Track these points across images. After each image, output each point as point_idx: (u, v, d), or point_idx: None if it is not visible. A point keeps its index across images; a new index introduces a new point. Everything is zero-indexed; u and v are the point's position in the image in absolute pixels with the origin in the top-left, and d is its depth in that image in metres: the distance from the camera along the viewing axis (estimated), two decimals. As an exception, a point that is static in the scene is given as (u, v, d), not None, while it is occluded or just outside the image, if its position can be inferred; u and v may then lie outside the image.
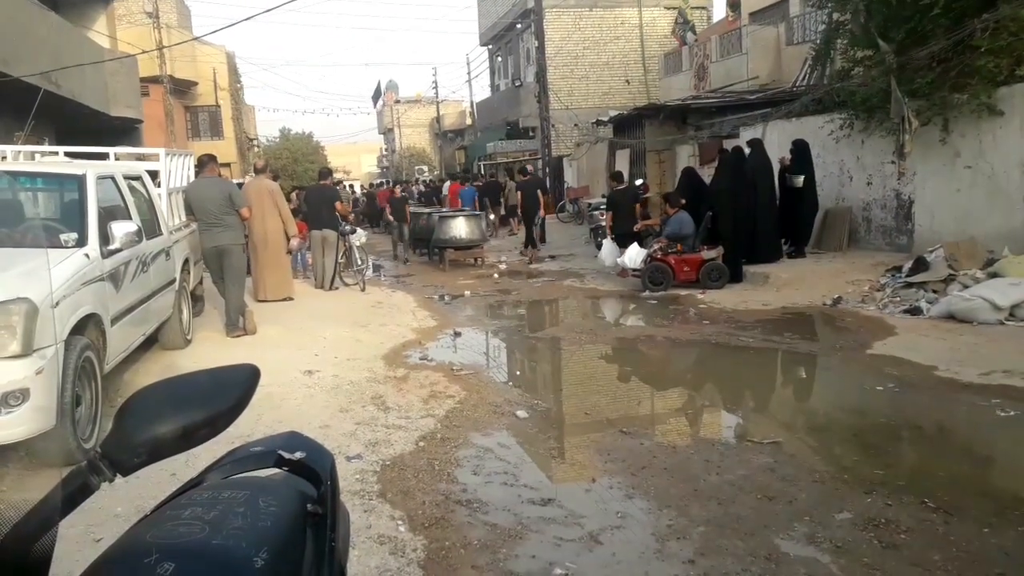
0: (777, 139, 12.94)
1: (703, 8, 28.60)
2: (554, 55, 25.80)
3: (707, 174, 12.43)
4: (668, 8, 27.55)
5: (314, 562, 1.45)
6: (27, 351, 3.89)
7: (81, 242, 4.99)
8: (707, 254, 10.21)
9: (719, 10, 28.40)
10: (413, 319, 9.28)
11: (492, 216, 19.94)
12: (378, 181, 30.71)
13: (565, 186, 25.04)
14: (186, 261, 7.52)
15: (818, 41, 14.34)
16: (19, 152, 7.81)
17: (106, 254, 5.12)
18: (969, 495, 3.81)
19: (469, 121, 43.13)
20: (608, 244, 11.74)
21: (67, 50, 14.31)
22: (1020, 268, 7.83)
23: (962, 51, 9.35)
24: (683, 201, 10.76)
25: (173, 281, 6.85)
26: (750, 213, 10.59)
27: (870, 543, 3.30)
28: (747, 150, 11.32)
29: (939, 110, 9.69)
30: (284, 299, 9.66)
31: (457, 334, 8.59)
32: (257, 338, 7.58)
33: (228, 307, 7.71)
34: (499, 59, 34.68)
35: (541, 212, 16.19)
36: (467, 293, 11.46)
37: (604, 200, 16.59)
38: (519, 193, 16.83)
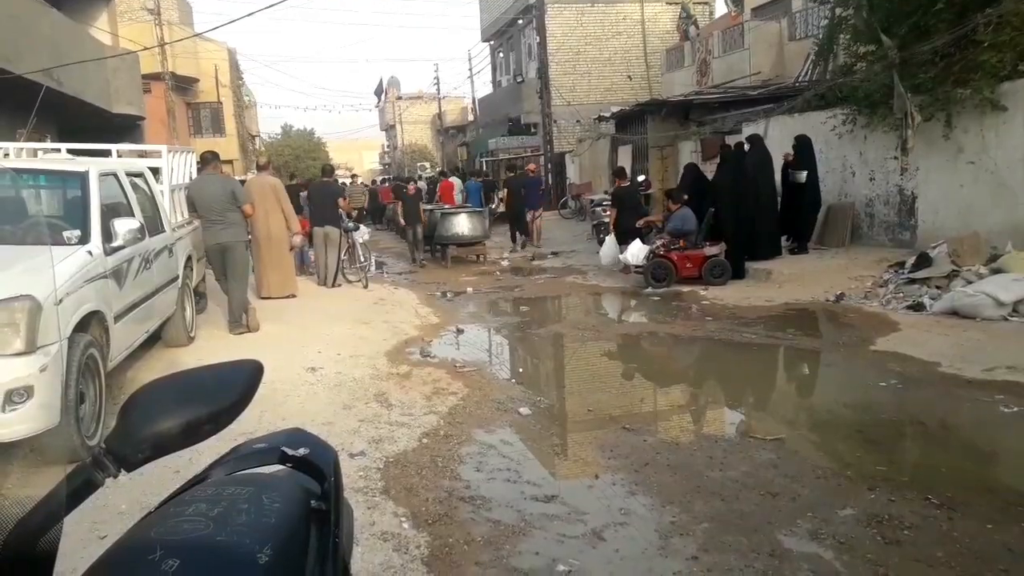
0: (779, 135, 12.91)
1: (705, 3, 28.55)
2: (556, 51, 25.78)
3: (709, 170, 12.41)
4: (670, 3, 27.50)
5: (318, 558, 1.45)
6: (31, 348, 3.90)
7: (84, 239, 4.99)
8: (710, 250, 10.20)
9: (721, 5, 28.34)
10: (416, 316, 9.28)
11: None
12: (381, 178, 30.52)
13: (567, 182, 25.02)
14: (189, 258, 7.53)
15: (820, 36, 14.31)
16: (21, 149, 7.80)
17: (109, 251, 5.13)
18: (973, 491, 3.80)
19: (471, 117, 43.08)
20: (610, 241, 11.73)
21: (69, 47, 14.31)
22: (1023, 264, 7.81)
23: (965, 46, 9.32)
24: (686, 197, 10.75)
25: (176, 278, 6.86)
26: (750, 209, 10.58)
27: (873, 539, 3.30)
28: (747, 146, 11.31)
29: (942, 105, 9.66)
30: (287, 296, 9.67)
31: (460, 331, 8.60)
32: (260, 335, 7.59)
33: (231, 304, 7.72)
34: (501, 55, 34.64)
35: (530, 214, 16.35)
36: (469, 290, 11.46)
37: (606, 196, 16.62)
38: (505, 190, 16.98)
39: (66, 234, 4.98)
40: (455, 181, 19.73)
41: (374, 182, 25.27)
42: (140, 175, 6.80)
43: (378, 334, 7.97)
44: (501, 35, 33.18)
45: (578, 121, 25.66)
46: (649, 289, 10.15)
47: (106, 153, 8.12)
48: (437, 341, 8.01)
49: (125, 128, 18.97)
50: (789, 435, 4.76)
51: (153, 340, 6.66)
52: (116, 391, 5.28)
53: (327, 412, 5.23)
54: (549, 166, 25.49)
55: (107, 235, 5.17)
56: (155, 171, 7.61)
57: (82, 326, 4.47)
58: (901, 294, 8.32)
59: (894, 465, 4.23)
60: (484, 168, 28.38)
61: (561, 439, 5.06)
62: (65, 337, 4.16)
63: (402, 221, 15.03)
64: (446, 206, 16.13)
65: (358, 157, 70.34)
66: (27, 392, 3.86)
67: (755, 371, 6.64)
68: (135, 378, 5.81)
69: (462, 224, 14.28)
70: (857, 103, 11.12)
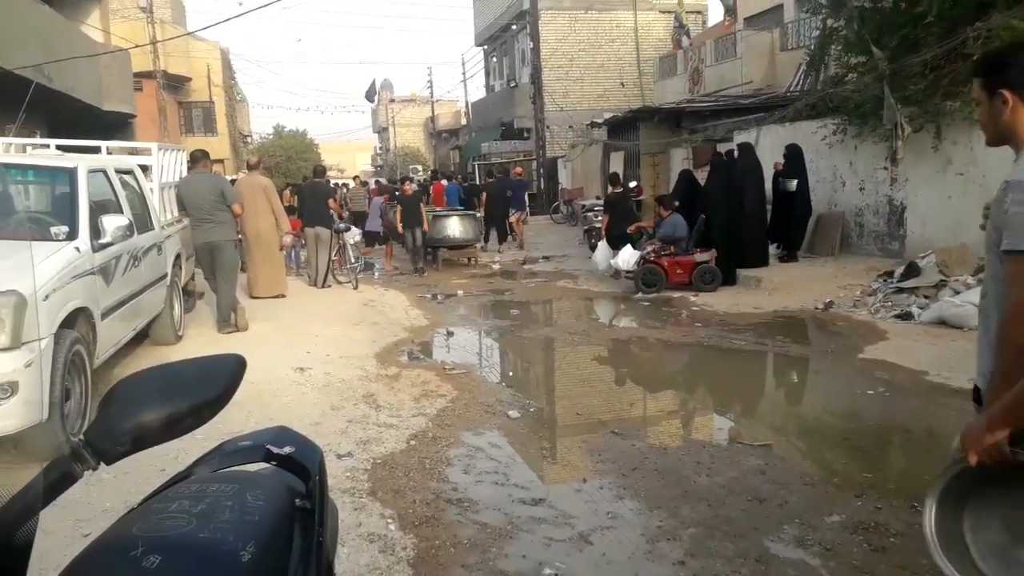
0: (770, 144, 12.97)
1: (698, 12, 28.69)
2: (549, 57, 25.86)
3: (701, 178, 12.46)
4: (663, 12, 27.63)
5: (301, 557, 1.44)
6: (16, 344, 3.87)
7: (72, 235, 4.95)
8: (700, 257, 10.23)
9: (714, 14, 28.51)
10: (406, 318, 9.26)
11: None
12: (374, 180, 29.94)
13: (559, 187, 25.06)
14: (178, 256, 7.49)
15: (812, 47, 14.39)
16: (10, 144, 7.75)
17: (97, 248, 5.09)
18: (958, 499, 3.81)
19: (464, 121, 43.12)
20: (602, 246, 11.75)
21: (60, 43, 14.23)
22: (1011, 275, 7.86)
23: (955, 59, 9.39)
24: (676, 204, 10.78)
25: (164, 276, 6.82)
26: (740, 217, 10.62)
27: (859, 546, 3.31)
28: (737, 154, 11.36)
29: (931, 117, 9.73)
30: (277, 296, 9.63)
31: (450, 333, 8.58)
32: (249, 335, 7.54)
33: (220, 303, 7.68)
34: (494, 60, 34.69)
35: (515, 216, 16.48)
36: (460, 293, 11.45)
37: (598, 202, 16.68)
38: (484, 194, 17.07)
39: (54, 230, 4.94)
40: (446, 184, 19.78)
41: (378, 183, 24.48)
42: (130, 172, 6.76)
43: (367, 335, 7.95)
44: (495, 40, 33.24)
45: (571, 127, 25.73)
46: (640, 294, 10.16)
47: (96, 150, 8.07)
48: (427, 343, 7.99)
49: (116, 126, 18.87)
50: (777, 441, 4.77)
51: (141, 338, 6.62)
52: (102, 388, 5.23)
53: (315, 413, 5.20)
54: (541, 171, 25.53)
55: (95, 232, 5.13)
56: (145, 169, 7.58)
57: (68, 322, 4.43)
58: (889, 303, 8.36)
59: (881, 472, 4.24)
60: (474, 171, 28.37)
61: (549, 443, 5.05)
62: (51, 333, 4.13)
63: (399, 226, 13.41)
64: (438, 209, 16.12)
65: (350, 159, 70.23)
66: (11, 388, 3.83)
67: (744, 377, 6.66)
68: (122, 375, 5.74)
69: (453, 227, 14.26)
70: (848, 113, 11.19)
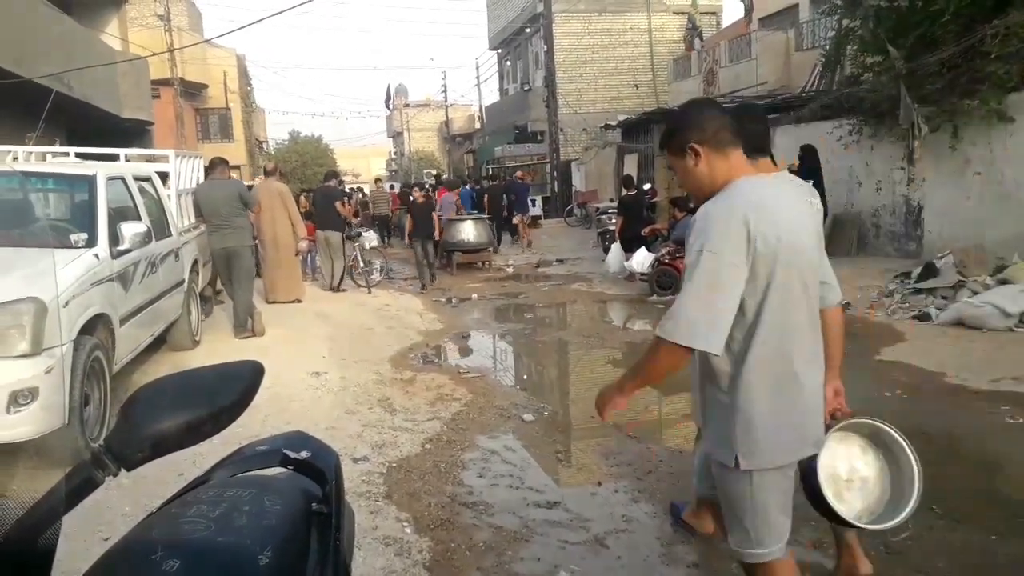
0: (785, 144, 12.90)
1: (712, 13, 28.60)
2: (563, 59, 25.87)
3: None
4: (677, 13, 27.56)
5: (318, 561, 1.45)
6: (36, 350, 3.92)
7: (91, 242, 5.01)
8: (715, 259, 10.18)
9: (728, 15, 28.40)
10: (420, 321, 9.29)
11: None
12: (389, 184, 29.16)
13: (573, 190, 25.05)
14: (195, 262, 7.56)
15: (827, 47, 14.31)
16: (30, 153, 7.86)
17: (115, 254, 5.15)
18: (977, 503, 3.79)
19: (478, 125, 43.23)
20: (615, 249, 11.73)
21: (79, 52, 14.41)
22: (1030, 275, 7.78)
23: (972, 57, 9.31)
24: (692, 205, 10.75)
25: (182, 282, 6.88)
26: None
27: (876, 549, 3.28)
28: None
29: (949, 116, 9.65)
30: (293, 301, 9.70)
31: (464, 337, 8.60)
32: (265, 339, 7.60)
33: (236, 308, 7.74)
34: (508, 63, 34.75)
35: (518, 218, 16.58)
36: (474, 296, 11.47)
37: (612, 204, 16.67)
38: (485, 196, 17.25)
39: (73, 237, 5.00)
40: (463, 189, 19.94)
41: (406, 186, 23.76)
42: (148, 179, 6.84)
43: (382, 339, 7.98)
44: (508, 44, 33.29)
45: (584, 129, 25.71)
46: (654, 297, 10.14)
47: (114, 157, 8.17)
48: (441, 347, 8.01)
49: (134, 133, 19.07)
50: (793, 444, 4.74)
51: (158, 344, 6.68)
52: (121, 394, 5.29)
53: (330, 416, 5.23)
54: (555, 174, 25.53)
55: (114, 238, 5.20)
56: (163, 176, 7.66)
57: (88, 329, 4.49)
58: (907, 304, 8.29)
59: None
60: (490, 174, 28.42)
61: (564, 446, 5.05)
62: (70, 339, 4.18)
63: (408, 238, 12.90)
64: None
65: (365, 164, 70.54)
66: (32, 394, 3.88)
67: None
68: (140, 381, 5.82)
69: (467, 231, 14.29)
70: (864, 113, 11.11)
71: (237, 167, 26.68)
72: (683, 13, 26.94)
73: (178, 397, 1.17)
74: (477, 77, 41.04)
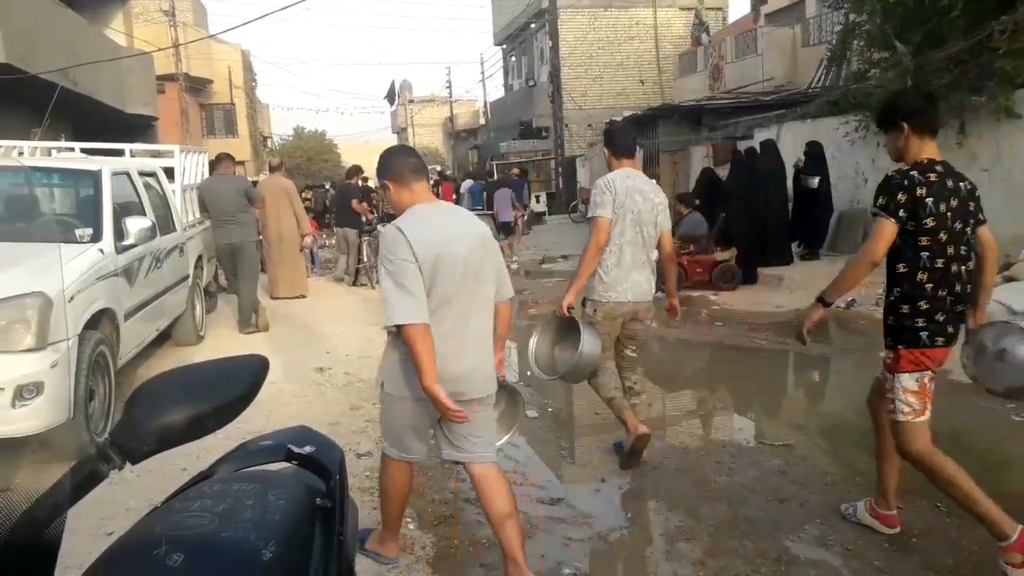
0: (792, 140, 12.88)
1: (719, 9, 28.51)
2: (568, 55, 25.79)
3: (721, 175, 12.39)
4: (683, 9, 27.47)
5: (322, 556, 1.45)
6: (41, 345, 3.93)
7: (96, 237, 5.02)
8: (720, 255, 10.16)
9: (735, 11, 28.32)
10: (425, 318, 9.28)
11: None
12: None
13: (578, 186, 25.02)
14: (200, 257, 7.57)
15: (834, 42, 14.26)
16: (36, 148, 7.87)
17: (120, 249, 5.16)
18: (983, 500, 3.77)
19: (482, 121, 43.16)
20: None
21: (84, 47, 14.43)
22: (1037, 272, 7.75)
23: (980, 53, 9.26)
24: (697, 202, 10.73)
25: (187, 277, 6.89)
26: (761, 215, 10.54)
27: (881, 546, 3.28)
28: (759, 152, 11.28)
29: (956, 112, 9.60)
30: (298, 296, 9.71)
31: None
32: (269, 335, 7.61)
33: (241, 304, 7.75)
34: (513, 59, 34.69)
35: (512, 213, 16.56)
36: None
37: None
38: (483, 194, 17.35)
39: (78, 232, 5.01)
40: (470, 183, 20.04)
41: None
42: (152, 175, 6.85)
43: (387, 335, 7.97)
44: (514, 39, 33.23)
45: (590, 125, 25.66)
46: (659, 293, 10.10)
47: (119, 153, 8.18)
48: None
49: (139, 128, 19.11)
50: (798, 441, 4.73)
51: (163, 339, 6.70)
52: (126, 388, 5.30)
53: (334, 412, 5.24)
54: (560, 170, 25.49)
55: (119, 233, 5.21)
56: (168, 171, 7.67)
57: (93, 323, 4.50)
58: (913, 301, 8.26)
59: (904, 472, 4.18)
60: (492, 171, 28.41)
61: (568, 442, 5.05)
62: (75, 334, 4.19)
63: None
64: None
65: (370, 159, 70.45)
66: (37, 388, 3.89)
67: (764, 377, 6.62)
68: (145, 376, 5.82)
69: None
70: (870, 109, 11.06)
71: (242, 163, 26.70)
72: (689, 8, 26.85)
73: (183, 391, 1.17)
74: (482, 73, 40.94)
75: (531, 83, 29.70)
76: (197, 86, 29.46)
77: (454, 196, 18.64)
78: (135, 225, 5.27)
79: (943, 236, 2.95)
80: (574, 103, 25.28)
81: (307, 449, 1.60)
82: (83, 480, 1.05)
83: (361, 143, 64.59)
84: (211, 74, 30.31)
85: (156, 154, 8.90)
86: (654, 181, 4.52)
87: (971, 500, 2.98)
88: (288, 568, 1.31)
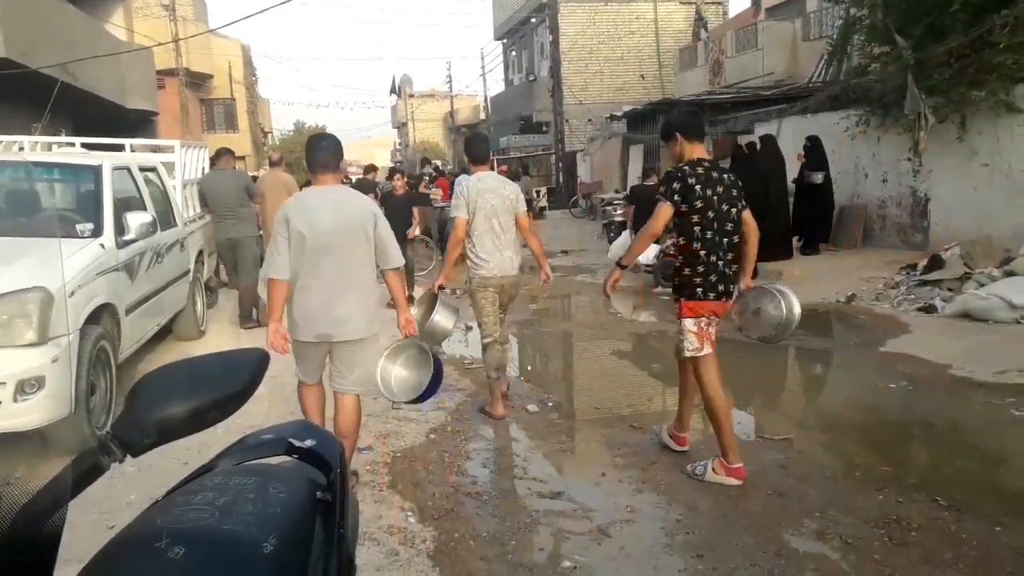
0: (792, 135, 12.86)
1: (719, 3, 28.45)
2: (568, 50, 25.74)
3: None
4: (683, 3, 27.43)
5: (323, 549, 1.46)
6: (43, 339, 3.94)
7: (96, 232, 5.03)
8: (720, 250, 10.15)
9: (735, 5, 28.26)
10: (425, 312, 9.27)
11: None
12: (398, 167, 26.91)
13: (578, 181, 25.01)
14: (200, 252, 7.57)
15: (835, 37, 14.23)
16: (36, 143, 7.88)
17: (121, 244, 5.17)
18: (981, 494, 3.79)
19: (483, 116, 43.08)
20: (626, 235, 11.71)
21: (84, 42, 14.41)
22: (1037, 267, 7.75)
23: (981, 48, 9.24)
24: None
25: (187, 272, 6.90)
26: (761, 210, 10.51)
27: (880, 540, 3.29)
28: (759, 147, 11.26)
29: (956, 107, 9.59)
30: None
31: (468, 328, 8.59)
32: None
33: (241, 299, 7.76)
34: (513, 53, 34.64)
35: None
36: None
37: (617, 196, 16.64)
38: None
39: (79, 227, 5.02)
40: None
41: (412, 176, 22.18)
42: (153, 170, 6.85)
43: (387, 330, 7.95)
44: (514, 33, 33.18)
45: (590, 120, 25.63)
46: (659, 289, 10.12)
47: (120, 148, 8.19)
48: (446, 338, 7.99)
49: (139, 123, 19.09)
50: (797, 435, 4.74)
51: (164, 333, 6.70)
52: (127, 383, 5.31)
53: (331, 408, 5.24)
54: (560, 165, 25.47)
55: (120, 228, 5.21)
56: (168, 166, 7.67)
57: (94, 318, 4.51)
58: (912, 296, 8.27)
59: (902, 467, 4.21)
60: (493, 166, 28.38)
61: (568, 436, 5.05)
62: (77, 329, 4.20)
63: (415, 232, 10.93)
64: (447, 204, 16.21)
65: (370, 154, 70.44)
66: (38, 383, 3.90)
67: (764, 371, 6.62)
68: (146, 371, 5.81)
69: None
70: (871, 104, 11.05)
71: (242, 157, 26.67)
72: (690, 3, 26.83)
73: (184, 384, 1.17)
74: (482, 67, 40.88)
75: (531, 78, 29.67)
76: (197, 81, 29.40)
77: (451, 191, 18.55)
78: (136, 220, 5.28)
79: (711, 215, 3.85)
80: (574, 98, 25.26)
81: (307, 443, 1.60)
82: (84, 472, 1.06)
83: (361, 138, 64.58)
84: (211, 69, 30.24)
85: (156, 149, 8.90)
86: (511, 177, 5.10)
87: (722, 430, 3.90)
88: (288, 561, 1.31)
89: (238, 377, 1.22)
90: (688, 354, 3.94)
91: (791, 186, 11.23)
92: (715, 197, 3.87)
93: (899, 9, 10.27)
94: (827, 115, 12.38)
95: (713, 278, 3.87)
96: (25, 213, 5.50)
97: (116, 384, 4.78)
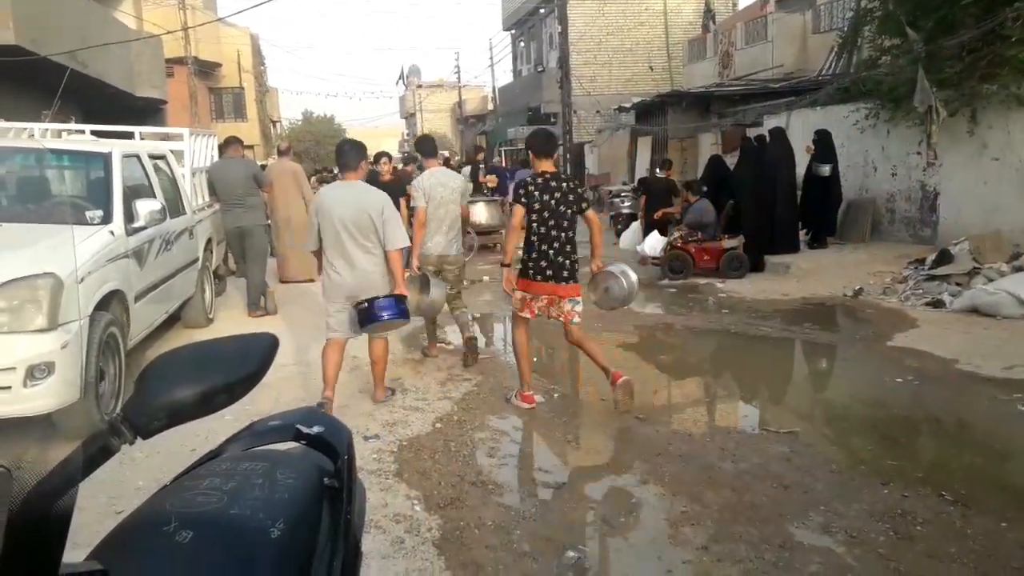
0: (801, 128, 12.81)
1: (730, -6, 28.30)
2: (577, 41, 25.62)
3: (730, 163, 12.34)
4: (693, -6, 27.29)
5: (329, 535, 1.47)
6: (53, 325, 3.96)
7: (106, 219, 5.05)
8: (728, 243, 10.14)
9: (744, -2, 28.08)
10: (432, 303, 9.28)
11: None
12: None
13: (586, 173, 24.95)
14: (209, 240, 7.60)
15: (845, 29, 14.14)
16: (46, 130, 7.90)
17: (130, 232, 5.19)
18: (987, 489, 3.78)
19: (491, 106, 42.98)
20: (635, 227, 11.69)
21: (94, 30, 14.43)
22: (1047, 262, 7.71)
23: (992, 41, 9.18)
24: (705, 189, 10.69)
25: (196, 260, 6.92)
26: (770, 203, 10.49)
27: (886, 534, 3.29)
28: (768, 139, 11.22)
29: (967, 101, 9.54)
30: (306, 280, 9.73)
31: (475, 318, 8.60)
32: (278, 318, 7.65)
33: (249, 287, 7.78)
34: (522, 44, 34.51)
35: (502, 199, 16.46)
36: (486, 279, 11.47)
37: (624, 187, 16.59)
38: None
39: (89, 214, 5.04)
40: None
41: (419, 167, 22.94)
42: (162, 157, 6.87)
43: (394, 320, 7.99)
44: (522, 24, 33.05)
45: (598, 112, 25.55)
46: (666, 281, 10.12)
47: (129, 135, 8.20)
48: (453, 328, 8.02)
49: (148, 111, 19.13)
50: (803, 429, 4.74)
51: (173, 321, 6.74)
52: (135, 370, 5.34)
53: (342, 395, 5.26)
54: (568, 156, 25.40)
55: (129, 216, 5.23)
56: (177, 154, 7.68)
57: (103, 305, 4.54)
58: (920, 291, 8.24)
59: (908, 461, 4.20)
60: (500, 157, 28.34)
61: (573, 427, 5.06)
62: (86, 315, 4.23)
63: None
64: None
65: (377, 144, 70.40)
66: (48, 368, 3.93)
67: (770, 364, 6.62)
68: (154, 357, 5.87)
69: (480, 213, 14.26)
70: (881, 97, 10.99)
71: (250, 146, 26.65)
72: (699, -6, 26.67)
73: (194, 367, 1.18)
74: (491, 58, 40.87)
75: (540, 69, 29.57)
76: (206, 70, 29.41)
77: None
78: (145, 207, 5.30)
79: (546, 214, 4.85)
80: (583, 89, 25.15)
81: (315, 429, 1.61)
82: (95, 454, 1.06)
83: (370, 128, 64.51)
84: (220, 58, 30.24)
85: (166, 137, 8.92)
86: (457, 172, 6.87)
87: (520, 369, 5.21)
88: (296, 546, 1.33)
89: (248, 361, 1.23)
90: (513, 309, 5.13)
91: (799, 179, 11.20)
92: (552, 201, 4.86)
93: (910, 1, 10.20)
94: (837, 108, 12.32)
95: (543, 263, 4.91)
96: (36, 200, 5.53)
97: (125, 370, 4.81)
